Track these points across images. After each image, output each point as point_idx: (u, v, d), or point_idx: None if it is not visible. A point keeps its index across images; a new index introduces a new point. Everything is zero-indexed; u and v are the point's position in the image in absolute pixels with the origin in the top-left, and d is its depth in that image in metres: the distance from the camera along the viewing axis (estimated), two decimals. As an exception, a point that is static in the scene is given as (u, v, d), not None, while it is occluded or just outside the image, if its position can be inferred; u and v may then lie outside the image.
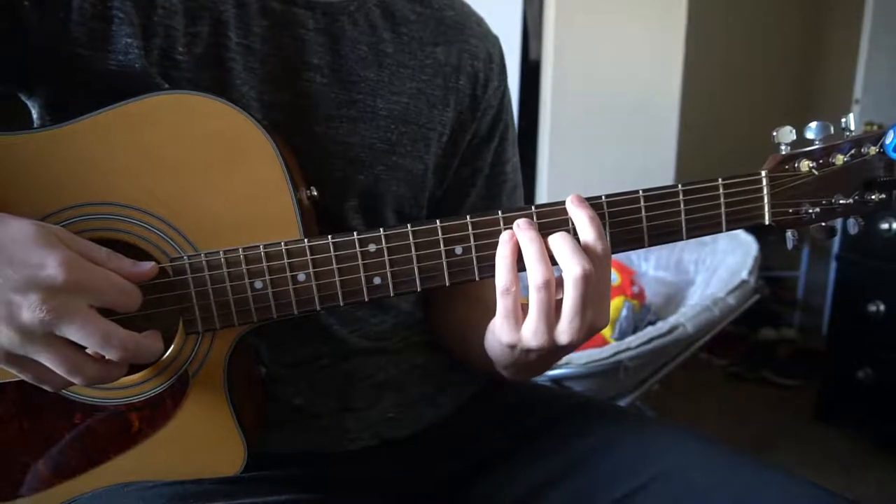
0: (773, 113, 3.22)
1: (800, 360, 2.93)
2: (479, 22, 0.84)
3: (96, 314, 0.52)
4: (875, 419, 2.27)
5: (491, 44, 0.84)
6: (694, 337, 1.75)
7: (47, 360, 0.52)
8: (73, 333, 0.51)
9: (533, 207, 0.61)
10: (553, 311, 0.59)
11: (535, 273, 0.58)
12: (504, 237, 0.60)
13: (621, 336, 1.84)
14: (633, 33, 2.38)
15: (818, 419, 2.48)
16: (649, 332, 1.70)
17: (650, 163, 2.45)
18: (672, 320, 1.74)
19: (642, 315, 1.97)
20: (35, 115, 0.68)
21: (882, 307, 2.18)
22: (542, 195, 2.37)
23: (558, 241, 0.59)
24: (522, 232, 0.59)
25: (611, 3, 2.36)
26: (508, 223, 0.61)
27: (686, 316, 1.75)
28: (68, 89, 0.64)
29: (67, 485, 0.64)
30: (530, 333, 0.59)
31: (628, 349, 1.64)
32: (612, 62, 2.38)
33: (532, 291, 0.58)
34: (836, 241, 2.43)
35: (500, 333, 0.62)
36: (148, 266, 0.57)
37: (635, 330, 1.87)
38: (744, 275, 1.86)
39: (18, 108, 0.68)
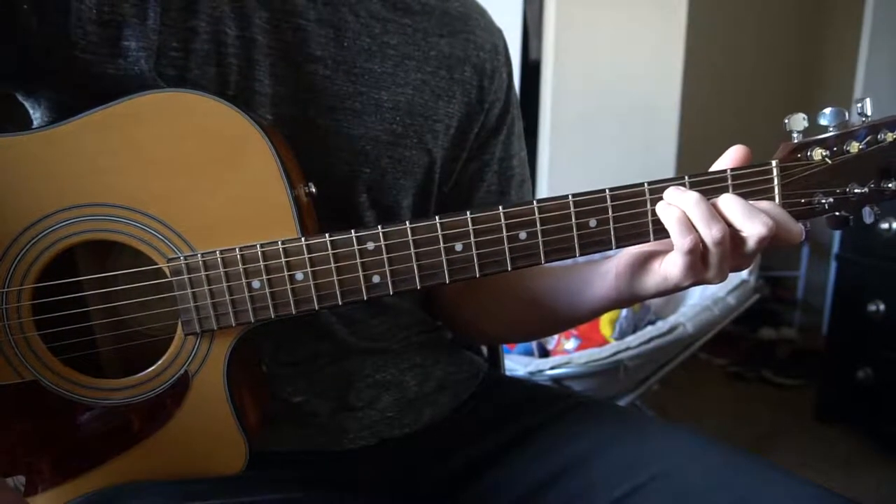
0: (774, 113, 3.21)
1: (800, 360, 2.93)
2: (483, 13, 0.84)
3: None
4: (875, 419, 2.27)
5: (496, 36, 0.84)
6: (694, 336, 1.76)
7: None
8: None
9: (535, 202, 0.61)
10: (731, 252, 0.61)
11: (714, 230, 0.59)
12: (661, 205, 0.61)
13: (621, 336, 1.84)
14: (633, 33, 2.38)
15: (818, 419, 2.48)
16: (649, 331, 1.70)
17: (650, 163, 2.45)
18: (672, 320, 1.74)
19: (642, 315, 1.97)
20: (34, 116, 0.68)
21: (882, 307, 2.18)
22: (542, 195, 2.37)
23: (730, 202, 0.60)
24: (683, 195, 0.60)
25: (611, 3, 2.36)
26: (509, 218, 0.60)
27: (686, 315, 1.75)
28: (68, 92, 0.63)
29: (69, 485, 0.63)
30: (712, 276, 0.62)
31: (628, 349, 1.64)
32: (612, 62, 2.38)
33: (711, 247, 0.60)
34: (836, 240, 2.43)
35: (679, 281, 0.63)
36: None
37: (635, 330, 1.87)
38: (743, 274, 1.86)
39: (14, 108, 0.68)
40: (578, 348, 1.85)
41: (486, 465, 0.77)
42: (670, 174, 2.45)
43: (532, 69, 2.36)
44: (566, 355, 1.70)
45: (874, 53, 2.69)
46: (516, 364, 1.69)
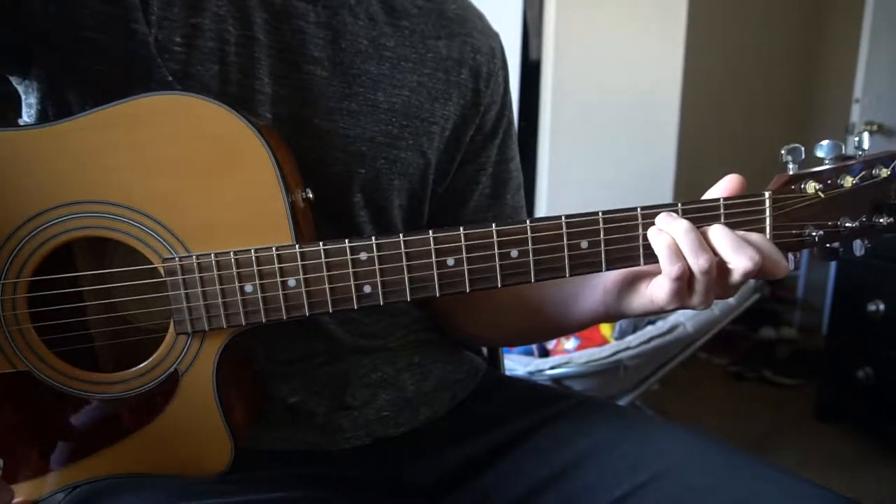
0: (774, 113, 3.22)
1: (800, 360, 2.93)
2: (480, 17, 0.84)
3: None
4: (875, 419, 2.27)
5: (493, 39, 0.84)
6: (694, 336, 1.76)
7: None
8: None
9: (528, 222, 0.61)
10: (716, 281, 0.62)
11: (701, 260, 0.60)
12: (653, 231, 0.61)
13: (621, 335, 1.84)
14: (633, 33, 2.38)
15: (818, 419, 2.48)
16: (649, 331, 1.70)
17: (650, 163, 2.44)
18: (672, 319, 1.74)
19: (642, 315, 1.96)
20: (27, 102, 0.67)
21: (882, 307, 2.18)
22: (542, 195, 2.37)
23: (719, 234, 0.61)
24: (674, 223, 0.60)
25: (611, 3, 2.36)
26: (502, 236, 0.60)
27: (686, 315, 1.75)
28: (69, 74, 0.63)
29: (57, 474, 0.64)
30: (697, 303, 0.63)
31: (628, 348, 1.64)
32: (612, 62, 2.38)
33: (698, 275, 0.60)
34: (837, 240, 2.43)
35: (664, 304, 0.64)
36: None
37: (635, 329, 1.87)
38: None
39: (12, 102, 0.67)
40: (578, 348, 1.85)
41: (485, 465, 0.77)
42: (670, 174, 2.47)
43: (532, 69, 2.36)
44: (566, 355, 1.70)
45: (874, 53, 2.69)
46: (516, 364, 1.69)
